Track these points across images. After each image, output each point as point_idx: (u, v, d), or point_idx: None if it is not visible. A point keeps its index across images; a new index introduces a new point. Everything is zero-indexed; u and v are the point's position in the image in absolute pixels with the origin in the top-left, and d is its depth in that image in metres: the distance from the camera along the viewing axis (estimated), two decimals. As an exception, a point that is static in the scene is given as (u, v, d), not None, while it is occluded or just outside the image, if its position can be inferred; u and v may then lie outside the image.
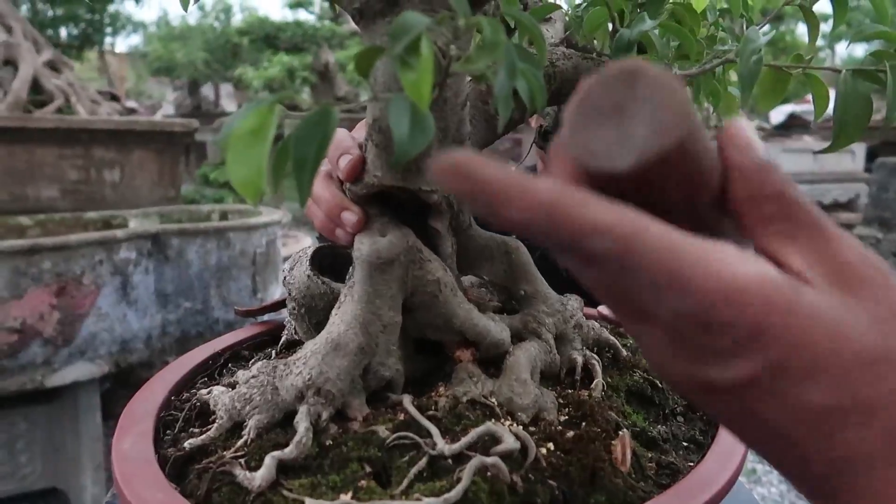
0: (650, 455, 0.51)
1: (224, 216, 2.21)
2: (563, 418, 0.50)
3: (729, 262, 0.22)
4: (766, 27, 0.46)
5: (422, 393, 0.53)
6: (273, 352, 0.64)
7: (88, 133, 2.14)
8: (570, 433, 0.48)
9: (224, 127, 0.33)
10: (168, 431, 0.52)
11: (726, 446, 0.51)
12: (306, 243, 3.12)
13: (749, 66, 0.42)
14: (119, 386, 2.40)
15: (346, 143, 0.50)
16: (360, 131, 0.52)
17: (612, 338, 0.60)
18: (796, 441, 0.23)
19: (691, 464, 0.51)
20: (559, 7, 0.52)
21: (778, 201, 0.25)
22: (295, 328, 0.62)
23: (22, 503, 1.90)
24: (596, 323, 0.61)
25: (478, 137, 0.56)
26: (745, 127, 0.26)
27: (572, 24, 0.59)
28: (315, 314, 0.59)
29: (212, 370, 0.63)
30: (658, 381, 0.58)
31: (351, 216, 0.51)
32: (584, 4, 0.57)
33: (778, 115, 8.19)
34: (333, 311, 0.52)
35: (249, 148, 0.29)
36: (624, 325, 0.26)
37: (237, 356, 0.67)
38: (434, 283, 0.51)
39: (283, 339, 0.65)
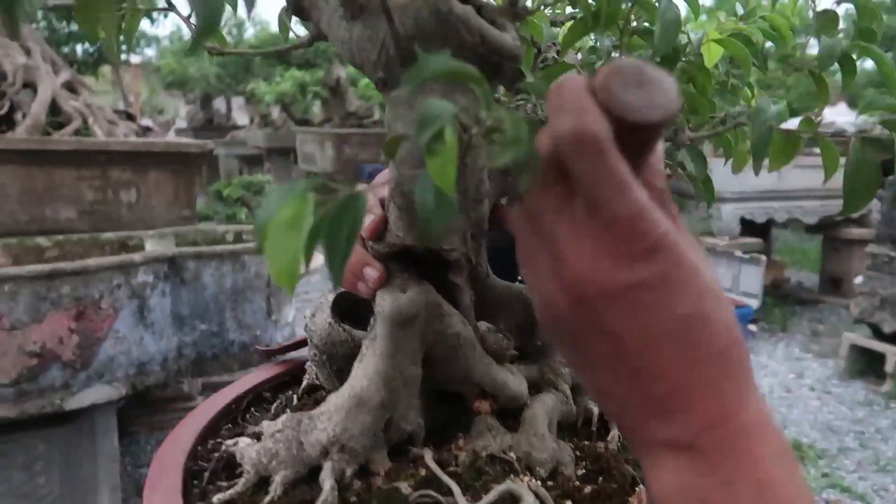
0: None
1: (238, 237, 2.24)
2: (580, 472, 0.51)
3: (650, 201, 0.31)
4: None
5: (442, 442, 0.54)
6: (294, 396, 0.65)
7: (106, 154, 2.18)
8: (588, 488, 0.49)
9: (260, 213, 0.35)
10: (196, 482, 0.53)
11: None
12: (318, 261, 3.13)
13: (761, 134, 0.43)
14: (135, 405, 2.42)
15: (368, 201, 0.52)
16: (381, 188, 0.53)
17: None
18: (658, 351, 0.31)
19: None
20: (573, 66, 0.53)
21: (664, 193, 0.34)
22: (316, 373, 0.63)
23: (39, 523, 1.91)
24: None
25: (496, 185, 0.58)
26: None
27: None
28: (336, 361, 0.61)
29: (235, 415, 0.64)
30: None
31: (373, 272, 0.52)
32: (596, 60, 0.58)
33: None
34: (356, 364, 0.53)
35: (287, 239, 0.30)
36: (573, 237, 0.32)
37: (259, 398, 0.69)
38: (454, 336, 0.53)
39: (304, 383, 0.66)
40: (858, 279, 3.32)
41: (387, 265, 0.52)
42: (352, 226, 0.32)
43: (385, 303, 0.51)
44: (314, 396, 0.63)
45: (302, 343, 0.69)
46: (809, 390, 3.16)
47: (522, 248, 0.35)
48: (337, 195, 0.33)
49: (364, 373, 0.51)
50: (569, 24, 0.51)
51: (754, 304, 3.87)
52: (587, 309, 0.32)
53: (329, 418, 0.49)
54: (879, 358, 3.17)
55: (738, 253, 3.92)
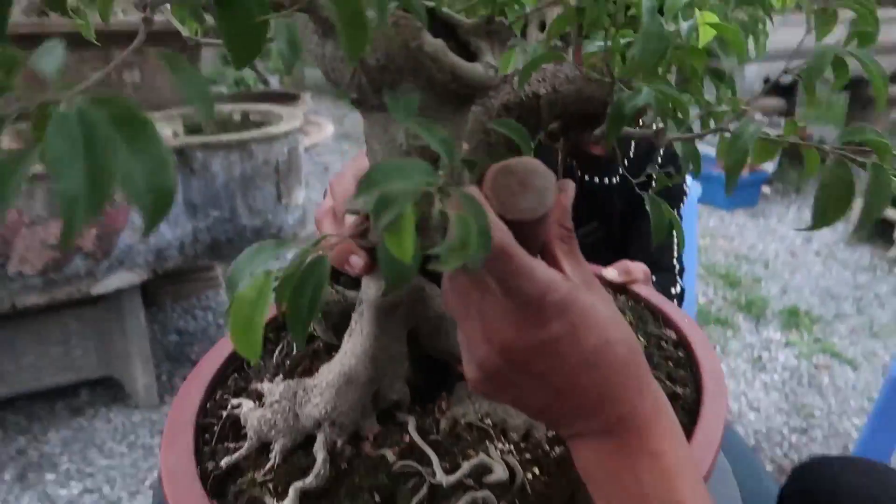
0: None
1: (245, 118, 2.22)
2: (550, 433, 0.57)
3: (551, 271, 0.39)
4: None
5: (428, 400, 0.59)
6: (293, 345, 0.70)
7: (105, 35, 2.11)
8: (556, 450, 0.55)
9: (232, 271, 0.37)
10: (207, 436, 0.59)
11: (705, 437, 0.58)
12: (328, 131, 3.11)
13: (736, 161, 0.43)
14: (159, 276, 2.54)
15: (324, 227, 0.54)
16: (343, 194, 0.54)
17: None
18: (576, 377, 0.40)
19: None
20: (562, 57, 0.52)
21: (566, 238, 0.43)
22: (314, 327, 0.68)
23: (82, 389, 2.10)
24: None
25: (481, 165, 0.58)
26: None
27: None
28: (331, 317, 0.65)
29: (241, 361, 0.69)
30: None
31: (358, 260, 0.55)
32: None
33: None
34: (346, 337, 0.57)
35: (249, 318, 0.33)
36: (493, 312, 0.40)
37: (264, 341, 0.74)
38: (437, 317, 0.56)
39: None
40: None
41: (372, 253, 0.55)
42: (314, 291, 0.35)
43: (370, 290, 0.54)
44: (312, 347, 0.68)
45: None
46: (815, 255, 3.20)
47: (455, 317, 0.43)
48: (302, 259, 0.35)
49: (353, 351, 0.55)
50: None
51: (770, 167, 3.83)
52: (517, 363, 0.40)
53: (321, 394, 0.54)
54: (889, 224, 3.19)
55: (757, 115, 3.82)
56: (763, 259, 2.97)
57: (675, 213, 1.31)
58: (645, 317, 0.80)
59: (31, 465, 1.82)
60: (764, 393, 2.06)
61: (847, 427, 1.89)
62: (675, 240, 1.31)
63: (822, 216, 0.45)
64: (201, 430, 0.60)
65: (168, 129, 2.09)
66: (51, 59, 0.22)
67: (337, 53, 0.42)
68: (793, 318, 2.46)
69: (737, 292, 2.67)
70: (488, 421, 0.56)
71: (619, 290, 0.88)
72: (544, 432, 0.57)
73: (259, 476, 0.53)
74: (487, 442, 0.54)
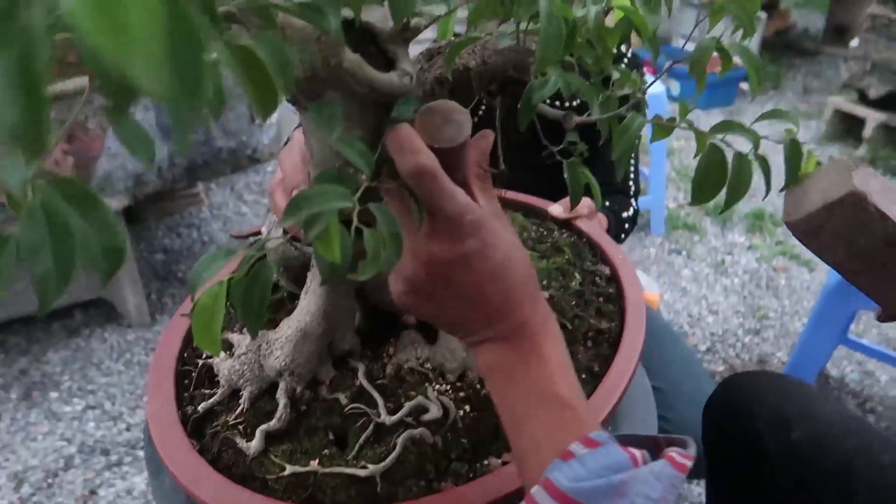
0: (553, 391, 0.67)
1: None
2: (483, 374, 0.65)
3: (468, 197, 0.47)
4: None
5: (378, 346, 0.68)
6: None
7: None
8: (486, 391, 0.63)
9: (192, 275, 0.44)
10: (186, 382, 0.68)
11: (613, 379, 0.67)
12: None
13: (625, 150, 0.49)
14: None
15: (298, 177, 0.59)
16: (292, 177, 0.60)
17: (534, 288, 0.73)
18: (484, 287, 0.47)
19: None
20: (478, 38, 0.56)
21: (482, 176, 0.51)
22: (279, 279, 0.75)
23: (76, 311, 2.19)
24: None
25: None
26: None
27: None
28: (292, 271, 0.72)
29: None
30: (567, 324, 0.72)
31: (306, 231, 0.61)
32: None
33: None
34: (302, 294, 0.65)
35: (209, 322, 0.40)
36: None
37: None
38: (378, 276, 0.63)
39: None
40: (854, 42, 3.23)
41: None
42: (262, 291, 0.42)
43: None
44: (277, 296, 0.76)
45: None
46: (786, 156, 3.25)
47: None
48: (249, 263, 0.42)
49: (307, 308, 0.63)
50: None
51: (748, 65, 3.80)
52: (438, 274, 0.48)
53: (281, 347, 0.62)
54: (860, 123, 3.23)
55: (738, 11, 3.74)
56: (734, 162, 3.03)
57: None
58: (583, 253, 0.88)
59: (35, 384, 1.93)
60: (724, 296, 2.18)
61: (797, 327, 2.02)
62: (632, 162, 1.36)
63: (700, 194, 0.52)
64: (181, 377, 0.68)
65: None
66: (15, 174, 0.28)
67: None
68: (758, 221, 2.55)
69: (706, 197, 2.74)
70: (428, 365, 0.64)
71: (563, 224, 0.95)
72: (476, 372, 0.65)
73: (231, 419, 0.62)
74: (427, 384, 0.63)
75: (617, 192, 1.31)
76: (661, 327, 1.39)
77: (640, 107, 0.54)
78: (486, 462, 0.59)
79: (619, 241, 1.27)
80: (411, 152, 0.44)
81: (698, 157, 0.52)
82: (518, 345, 0.49)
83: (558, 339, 0.51)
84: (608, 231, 1.20)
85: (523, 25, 0.51)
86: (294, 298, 0.73)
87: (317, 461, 0.57)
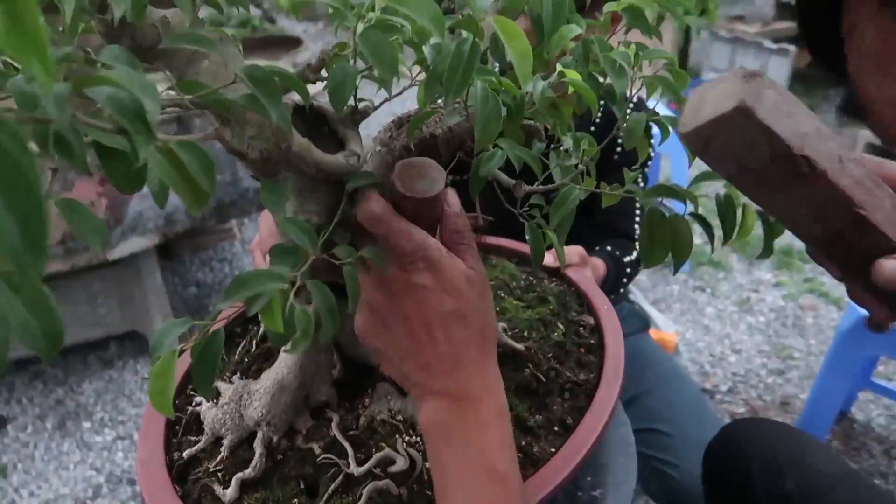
0: (524, 443, 0.69)
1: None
2: (453, 425, 0.68)
3: (429, 238, 0.51)
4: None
5: (355, 396, 0.71)
6: (254, 341, 0.82)
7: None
8: (455, 441, 0.66)
9: (153, 343, 0.48)
10: (177, 427, 0.72)
11: (583, 433, 0.69)
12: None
13: (558, 219, 0.52)
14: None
15: (270, 241, 0.64)
16: (268, 240, 0.64)
17: (510, 342, 0.75)
18: (433, 331, 0.50)
19: (553, 449, 0.69)
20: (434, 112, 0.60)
21: (458, 234, 0.54)
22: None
23: (111, 343, 2.28)
24: (502, 332, 0.75)
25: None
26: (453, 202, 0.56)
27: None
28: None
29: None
30: (541, 376, 0.74)
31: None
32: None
33: None
34: (282, 349, 0.68)
35: (162, 387, 0.44)
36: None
37: (231, 337, 0.86)
38: (353, 333, 0.67)
39: (261, 329, 0.82)
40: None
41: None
42: (213, 356, 0.46)
43: (293, 314, 0.64)
44: (266, 345, 0.80)
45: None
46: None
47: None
48: (204, 332, 0.46)
49: (285, 363, 0.67)
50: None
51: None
52: (394, 300, 0.51)
53: (260, 398, 0.66)
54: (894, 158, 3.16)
55: (767, 43, 3.73)
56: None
57: (642, 174, 1.37)
58: (569, 303, 0.90)
59: (69, 413, 2.02)
60: (748, 335, 2.15)
61: (824, 366, 1.98)
62: (638, 205, 1.38)
63: (648, 256, 0.54)
64: (171, 423, 0.73)
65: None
66: None
67: (234, 140, 0.52)
68: (786, 258, 2.51)
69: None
70: (400, 417, 0.67)
71: (553, 273, 0.97)
72: (448, 424, 0.68)
73: (212, 466, 0.65)
74: (397, 435, 0.66)
75: (621, 235, 1.32)
76: (671, 370, 1.39)
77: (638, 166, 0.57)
78: (449, 514, 0.61)
79: (620, 285, 1.28)
80: (365, 202, 0.51)
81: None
82: (461, 408, 0.50)
83: (503, 413, 0.52)
84: (606, 276, 1.22)
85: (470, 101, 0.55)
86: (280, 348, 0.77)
87: (286, 509, 0.61)
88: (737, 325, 2.20)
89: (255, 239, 0.72)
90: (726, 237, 0.56)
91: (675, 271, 0.53)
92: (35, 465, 1.84)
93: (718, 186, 0.57)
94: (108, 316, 2.17)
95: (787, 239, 2.66)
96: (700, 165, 0.49)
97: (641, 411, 1.28)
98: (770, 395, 1.90)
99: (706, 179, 0.56)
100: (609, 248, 1.27)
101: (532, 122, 0.68)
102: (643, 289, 2.40)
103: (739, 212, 0.53)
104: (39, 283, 0.36)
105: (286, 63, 2.10)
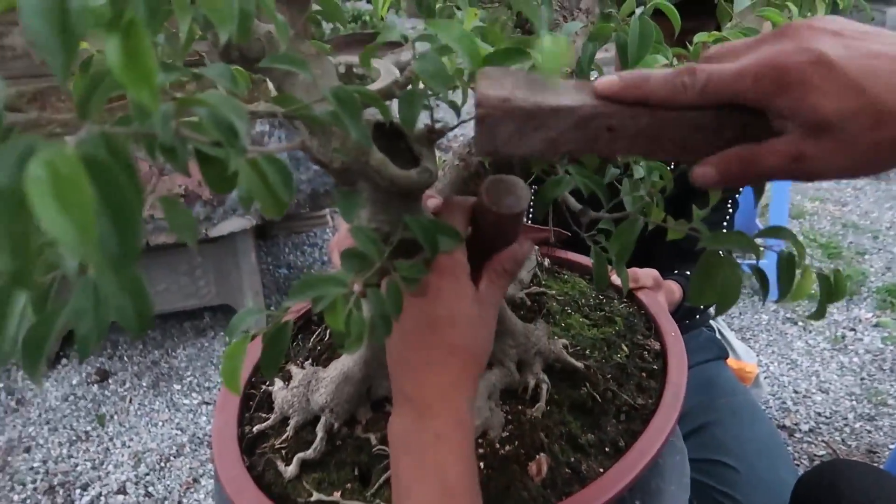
0: (573, 459, 0.70)
1: (349, 69, 2.38)
2: (505, 434, 0.70)
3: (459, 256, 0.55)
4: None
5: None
6: (328, 331, 0.87)
7: None
8: (505, 449, 0.68)
9: (229, 329, 0.53)
10: (250, 404, 0.78)
11: (632, 458, 0.69)
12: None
13: (620, 248, 0.53)
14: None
15: (347, 241, 0.68)
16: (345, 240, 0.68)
17: (569, 359, 0.76)
18: (409, 341, 0.53)
19: (602, 469, 0.70)
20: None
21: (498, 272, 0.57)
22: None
23: (206, 313, 2.43)
24: (562, 349, 0.77)
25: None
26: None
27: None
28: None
29: (287, 341, 0.87)
30: (598, 396, 0.75)
31: (356, 286, 0.69)
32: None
33: None
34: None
35: (233, 368, 0.49)
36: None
37: (308, 324, 0.91)
38: (417, 334, 0.70)
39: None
40: None
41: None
42: (281, 346, 0.50)
43: (362, 311, 0.69)
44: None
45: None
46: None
47: None
48: (275, 323, 0.50)
49: (352, 356, 0.71)
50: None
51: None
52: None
53: (326, 386, 0.70)
54: None
55: None
56: (874, 229, 2.81)
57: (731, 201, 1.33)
58: (637, 326, 0.90)
59: (163, 375, 2.17)
60: (838, 375, 2.04)
61: (920, 418, 1.86)
62: (724, 225, 1.34)
63: (696, 296, 0.54)
64: (246, 399, 0.79)
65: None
66: (69, 263, 0.37)
67: (320, 149, 0.56)
68: (890, 297, 2.36)
69: (835, 265, 2.58)
70: (454, 419, 0.70)
71: (625, 296, 0.97)
72: (498, 432, 0.70)
73: (277, 443, 0.70)
74: (449, 436, 0.69)
75: (704, 260, 1.30)
76: (745, 403, 1.35)
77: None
78: (491, 518, 0.64)
79: (696, 311, 1.25)
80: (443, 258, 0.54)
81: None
82: (421, 418, 0.51)
83: (464, 429, 0.52)
84: (682, 301, 1.20)
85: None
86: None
87: (340, 493, 0.65)
88: (827, 364, 2.09)
89: (334, 239, 0.77)
90: (781, 296, 0.55)
91: (717, 314, 0.53)
92: (129, 418, 2.00)
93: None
94: (205, 288, 2.31)
95: (892, 277, 2.50)
96: (798, 201, 0.49)
97: (708, 442, 1.25)
98: (855, 441, 1.80)
99: (771, 236, 0.55)
100: (689, 272, 1.25)
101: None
102: (728, 315, 2.32)
103: (798, 273, 0.52)
104: (135, 273, 0.41)
105: (389, 61, 2.18)
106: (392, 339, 0.54)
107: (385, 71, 1.68)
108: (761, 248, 0.52)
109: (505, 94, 0.43)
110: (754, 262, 0.56)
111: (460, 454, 0.50)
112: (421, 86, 0.51)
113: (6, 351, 0.36)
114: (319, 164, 0.55)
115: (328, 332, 0.87)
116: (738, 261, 0.55)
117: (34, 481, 1.81)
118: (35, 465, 1.86)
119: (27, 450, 1.91)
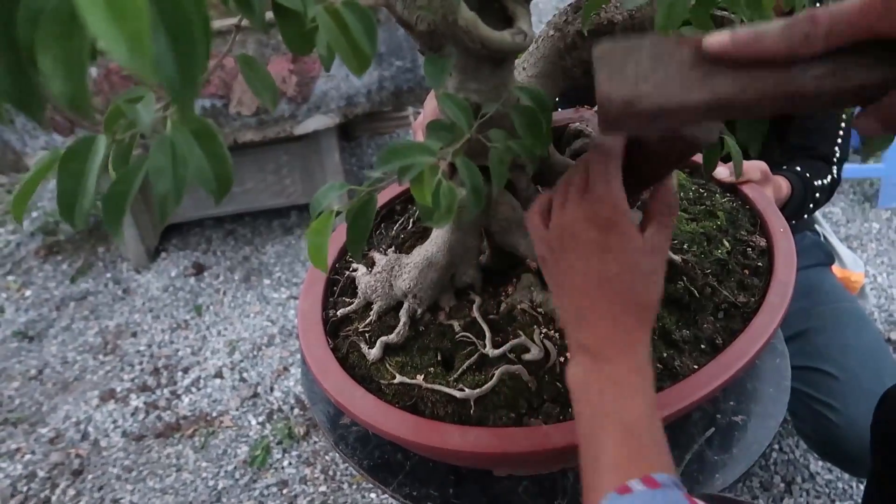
0: (665, 355, 0.67)
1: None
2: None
3: (624, 199, 0.51)
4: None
5: (499, 283, 0.72)
6: (411, 219, 0.85)
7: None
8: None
9: (312, 206, 0.51)
10: (334, 288, 0.78)
11: (729, 357, 0.65)
12: None
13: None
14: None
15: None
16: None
17: (669, 253, 0.71)
18: (589, 287, 0.51)
19: (696, 366, 0.66)
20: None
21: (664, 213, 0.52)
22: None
23: (292, 212, 2.49)
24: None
25: (554, 88, 0.65)
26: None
27: None
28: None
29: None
30: (696, 291, 0.70)
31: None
32: None
33: None
34: (433, 231, 0.70)
35: (319, 244, 0.47)
36: None
37: (391, 213, 0.89)
38: (504, 220, 0.67)
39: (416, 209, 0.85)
40: None
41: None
42: (366, 221, 0.48)
43: (447, 195, 0.65)
44: (422, 226, 0.82)
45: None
46: None
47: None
48: (360, 198, 0.48)
49: (435, 240, 0.69)
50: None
51: None
52: (562, 246, 0.52)
53: (409, 272, 0.69)
54: None
55: None
56: None
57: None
58: (740, 221, 0.83)
59: (254, 270, 2.26)
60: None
61: None
62: (843, 122, 1.22)
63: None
64: (330, 284, 0.79)
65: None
66: (145, 117, 0.35)
67: (403, 11, 0.51)
68: None
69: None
70: (541, 310, 0.67)
71: (728, 188, 0.90)
72: (588, 324, 0.67)
73: (361, 327, 0.70)
74: (535, 326, 0.66)
75: (817, 157, 1.19)
76: (851, 311, 1.26)
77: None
78: (577, 409, 0.62)
79: (805, 210, 1.16)
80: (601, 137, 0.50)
81: None
82: (601, 365, 0.50)
83: (644, 381, 0.50)
84: (791, 198, 1.10)
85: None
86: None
87: (422, 376, 0.64)
88: (945, 277, 1.93)
89: (419, 119, 0.73)
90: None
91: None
92: (223, 309, 2.10)
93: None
94: (291, 187, 2.35)
95: None
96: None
97: (808, 348, 1.18)
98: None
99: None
100: (799, 168, 1.14)
101: (726, 12, 0.61)
102: (836, 222, 2.16)
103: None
104: (213, 131, 0.39)
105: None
106: (562, 295, 0.53)
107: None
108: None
109: (628, 96, 0.40)
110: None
111: (638, 397, 0.49)
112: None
113: (85, 208, 0.35)
114: (404, 26, 0.51)
115: (411, 220, 0.85)
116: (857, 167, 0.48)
117: (141, 363, 1.95)
118: (141, 348, 2.00)
119: (134, 334, 2.06)
